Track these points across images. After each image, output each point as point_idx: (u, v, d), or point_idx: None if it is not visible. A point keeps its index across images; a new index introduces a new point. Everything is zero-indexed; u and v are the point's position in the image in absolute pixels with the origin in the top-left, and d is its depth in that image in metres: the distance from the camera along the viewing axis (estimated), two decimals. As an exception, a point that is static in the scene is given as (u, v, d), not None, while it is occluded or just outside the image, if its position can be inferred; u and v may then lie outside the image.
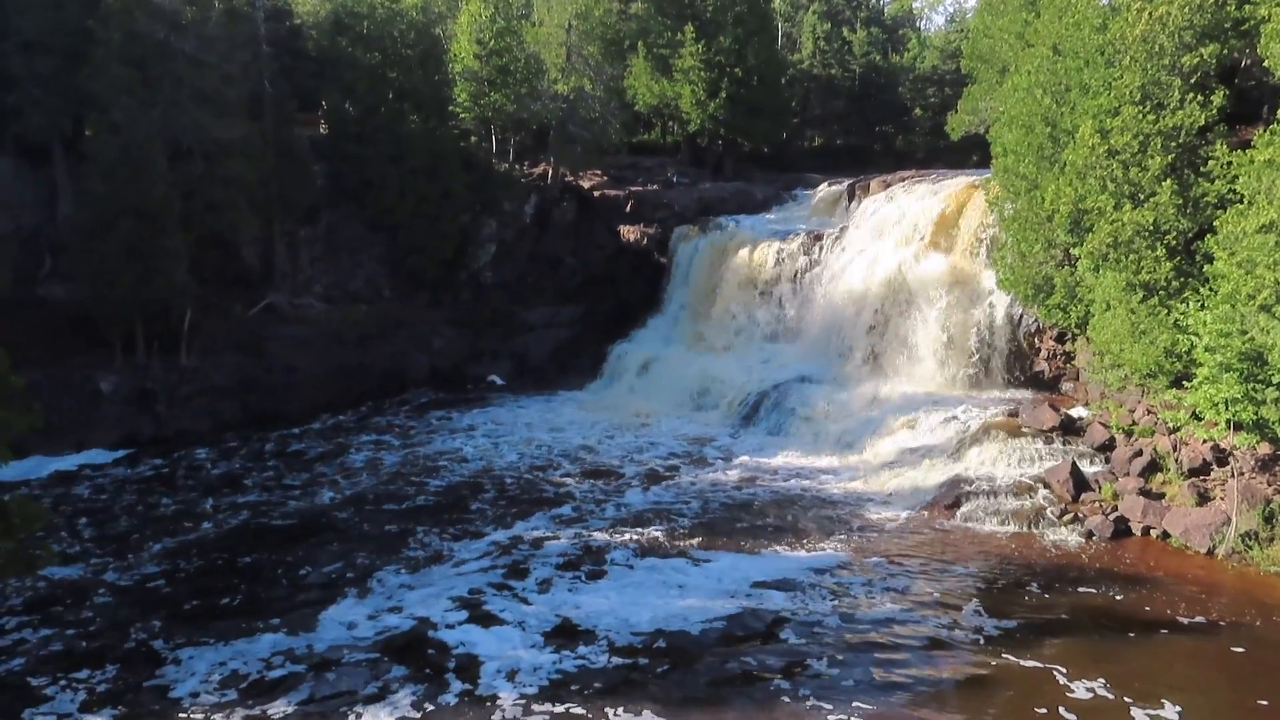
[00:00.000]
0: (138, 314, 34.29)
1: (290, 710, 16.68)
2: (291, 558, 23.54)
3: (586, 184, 49.67)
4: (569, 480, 29.72)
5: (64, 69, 34.97)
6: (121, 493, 28.55)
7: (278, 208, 40.50)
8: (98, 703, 16.90)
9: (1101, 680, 17.62)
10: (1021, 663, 18.36)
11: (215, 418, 35.57)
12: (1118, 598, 21.04)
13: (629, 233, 47.26)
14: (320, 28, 46.00)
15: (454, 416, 37.74)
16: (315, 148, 43.31)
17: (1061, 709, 16.84)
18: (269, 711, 16.70)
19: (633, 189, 49.24)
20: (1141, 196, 24.67)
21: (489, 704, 16.87)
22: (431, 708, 16.74)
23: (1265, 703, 16.88)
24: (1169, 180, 24.27)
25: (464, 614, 20.44)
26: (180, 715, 16.70)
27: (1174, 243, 24.43)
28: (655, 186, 50.12)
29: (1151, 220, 24.23)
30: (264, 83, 40.36)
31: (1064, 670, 18.03)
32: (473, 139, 49.01)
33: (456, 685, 17.57)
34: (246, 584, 22.10)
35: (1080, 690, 17.38)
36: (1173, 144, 24.51)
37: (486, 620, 20.14)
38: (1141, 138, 24.51)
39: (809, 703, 17.03)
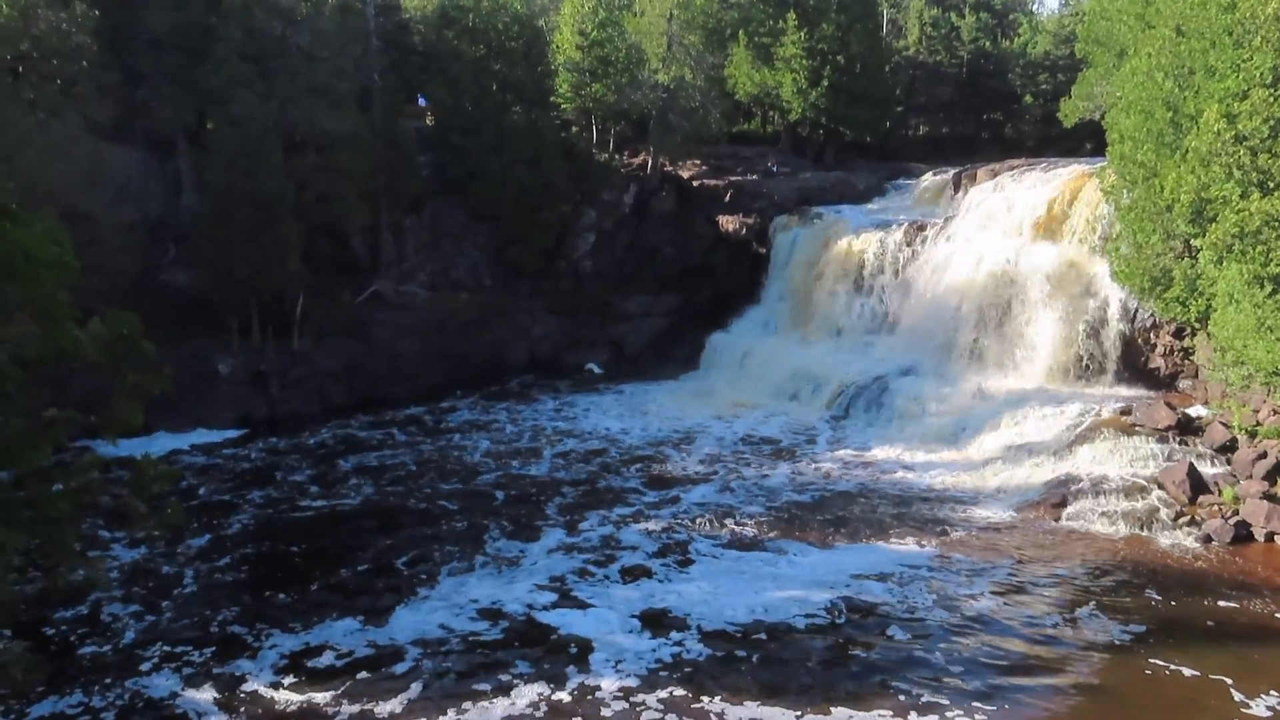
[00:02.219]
0: (254, 300, 35.69)
1: (411, 695, 16.89)
2: (388, 541, 24.01)
3: (686, 174, 49.60)
4: (662, 469, 29.83)
5: (187, 64, 36.52)
6: (228, 471, 29.65)
7: (384, 198, 41.60)
8: (198, 681, 17.33)
9: (1273, 692, 16.88)
10: (1168, 670, 17.64)
11: (324, 400, 36.76)
12: (1245, 605, 20.05)
13: (727, 223, 47.03)
14: (427, 21, 46.90)
15: (550, 403, 38.24)
16: (421, 139, 44.30)
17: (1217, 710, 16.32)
18: (391, 692, 16.93)
19: (732, 179, 48.94)
20: (1271, 184, 23.40)
21: (593, 691, 16.92)
22: (537, 694, 16.86)
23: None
24: (1302, 167, 22.97)
25: (555, 600, 20.64)
26: (287, 698, 17.14)
27: (1307, 233, 23.11)
28: (754, 176, 49.73)
29: (1282, 210, 22.97)
30: (373, 76, 41.45)
31: (1228, 680, 17.30)
32: (574, 129, 49.47)
33: (558, 670, 17.72)
34: (343, 567, 22.49)
35: (1256, 705, 16.64)
36: (1307, 129, 23.19)
37: (577, 607, 20.31)
38: (1272, 122, 23.23)
39: (922, 698, 16.65)
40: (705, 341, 42.76)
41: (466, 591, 20.93)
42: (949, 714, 16.24)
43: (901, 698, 16.68)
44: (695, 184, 48.72)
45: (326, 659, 18.03)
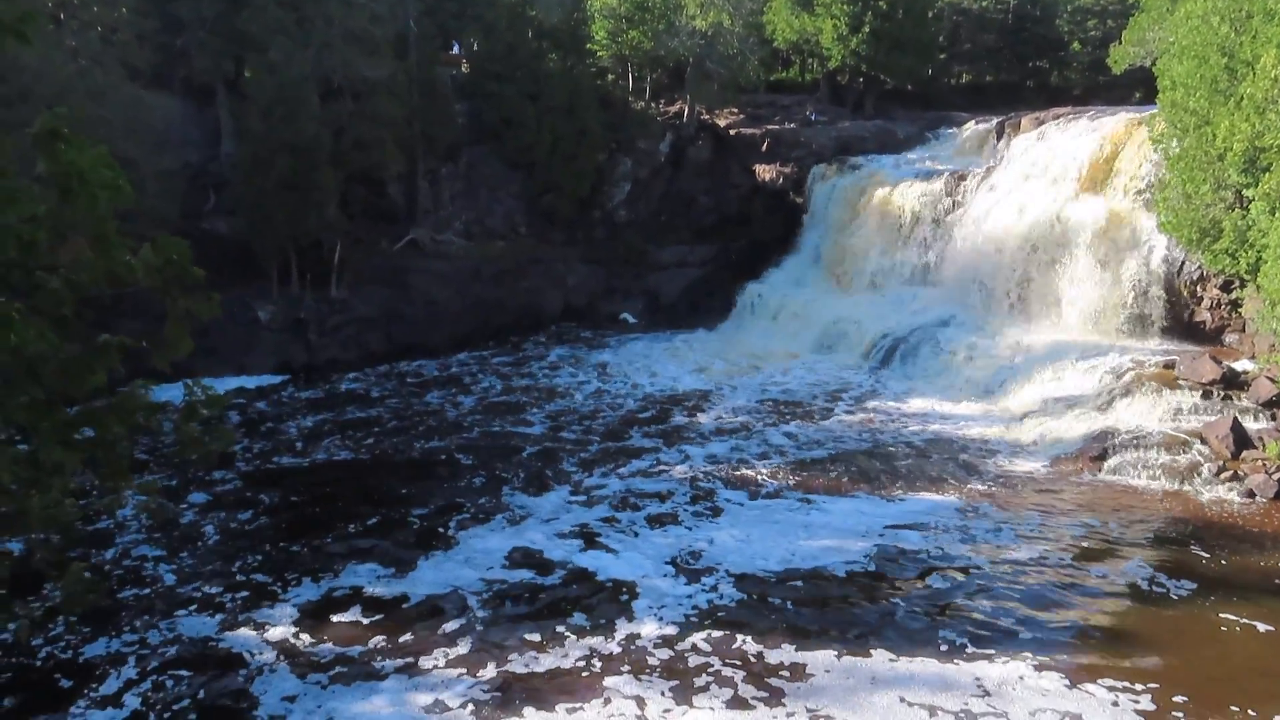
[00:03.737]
0: (292, 247, 35.95)
1: (453, 644, 16.73)
2: (416, 490, 24.01)
3: (722, 122, 49.07)
4: (693, 419, 29.87)
5: (226, 12, 36.52)
6: (260, 418, 30.03)
7: (421, 145, 41.57)
8: (232, 625, 17.37)
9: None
10: (1238, 626, 17.36)
11: (362, 347, 37.14)
12: (1274, 558, 19.83)
13: (764, 172, 46.57)
14: (462, -34, 46.49)
15: (585, 352, 38.38)
16: (457, 87, 44.10)
17: (1257, 657, 16.25)
18: (432, 643, 16.89)
19: (769, 127, 48.37)
20: (1330, 132, 22.75)
21: (636, 639, 16.89)
22: (582, 641, 16.83)
23: None
24: (1363, 114, 22.28)
25: (585, 547, 20.65)
26: (327, 648, 17.43)
27: (1365, 183, 22.48)
28: (792, 125, 49.11)
29: (1340, 158, 22.33)
30: (409, 22, 41.19)
31: (1253, 622, 17.20)
32: (610, 77, 49.06)
33: (600, 617, 17.75)
34: (368, 518, 22.30)
35: (1266, 643, 16.60)
36: (1370, 74, 22.45)
37: (609, 553, 20.35)
38: (1333, 67, 22.52)
39: (967, 647, 16.58)
40: (740, 291, 42.59)
41: (495, 541, 20.94)
42: (998, 660, 16.16)
43: (944, 646, 16.61)
44: (732, 133, 48.20)
45: (360, 610, 17.93)
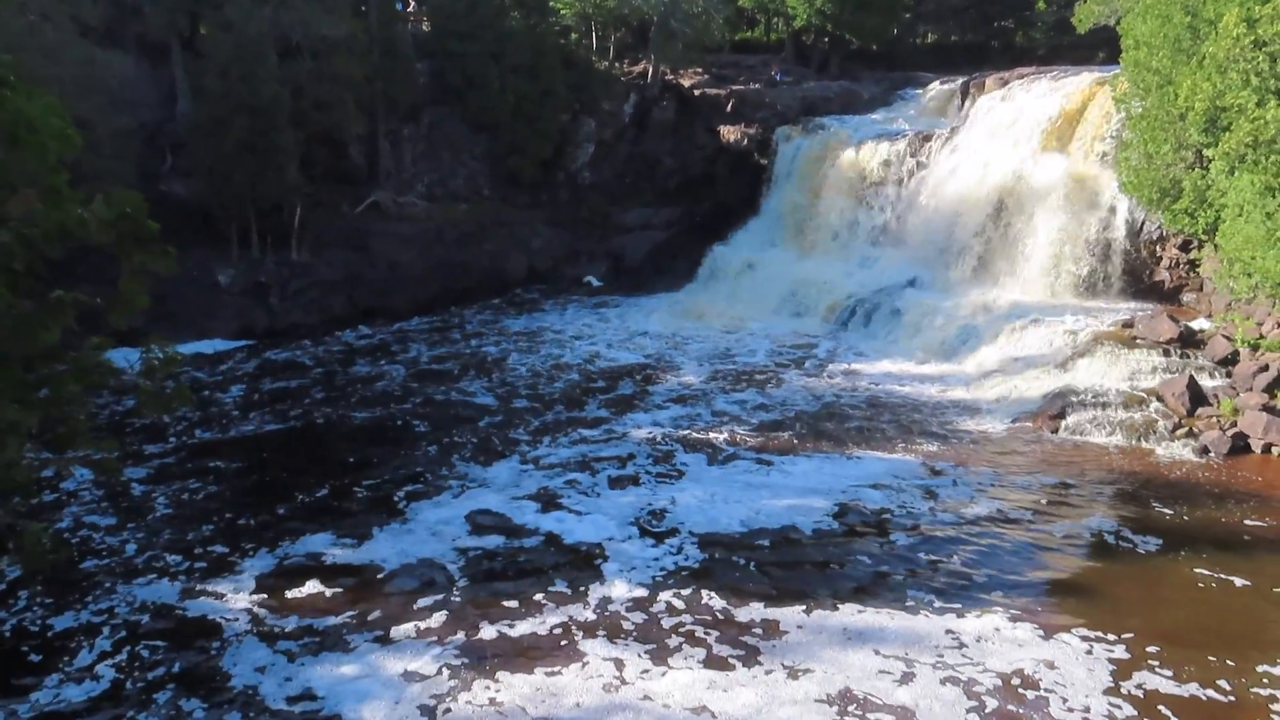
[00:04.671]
0: (252, 209, 35.36)
1: (423, 613, 16.53)
2: (364, 457, 23.60)
3: (687, 82, 48.67)
4: (656, 381, 29.88)
5: (178, -35, 35.49)
6: (212, 385, 29.47)
7: (382, 105, 40.88)
8: (194, 594, 17.19)
9: (1247, 580, 17.35)
10: (1180, 570, 17.96)
11: (324, 311, 36.73)
12: (1252, 515, 20.25)
13: (729, 133, 46.32)
14: (422, -79, 45.53)
15: (547, 315, 38.23)
16: (418, 46, 43.33)
17: (1225, 607, 16.79)
18: (399, 612, 16.77)
19: (734, 88, 48.05)
20: (1288, 92, 22.99)
21: (609, 602, 16.89)
22: (552, 605, 16.82)
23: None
24: (1320, 74, 22.52)
25: (547, 510, 20.54)
26: (293, 620, 17.37)
27: (1321, 143, 22.78)
28: (757, 85, 48.80)
29: (1297, 118, 22.59)
30: (367, -22, 40.33)
31: (1216, 573, 17.71)
32: (573, 36, 48.38)
33: (569, 580, 17.77)
34: (328, 483, 22.01)
35: (1233, 594, 17.16)
36: (1328, 34, 22.67)
37: (573, 516, 20.29)
38: (1292, 28, 22.70)
39: (934, 602, 16.86)
40: (705, 253, 42.50)
41: (456, 507, 20.73)
42: (969, 614, 16.47)
43: (912, 601, 16.88)
44: (697, 93, 47.84)
45: (322, 579, 17.59)
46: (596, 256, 45.05)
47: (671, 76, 48.59)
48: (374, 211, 41.06)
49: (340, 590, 17.25)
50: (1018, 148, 34.60)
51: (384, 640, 15.70)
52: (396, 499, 21.20)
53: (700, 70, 49.77)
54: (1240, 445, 23.47)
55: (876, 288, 35.57)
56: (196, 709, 14.03)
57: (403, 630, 15.98)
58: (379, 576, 17.79)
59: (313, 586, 17.33)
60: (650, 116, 47.43)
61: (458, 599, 16.99)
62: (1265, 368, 24.78)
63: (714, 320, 36.92)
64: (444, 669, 14.89)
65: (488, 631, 15.95)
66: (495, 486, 21.83)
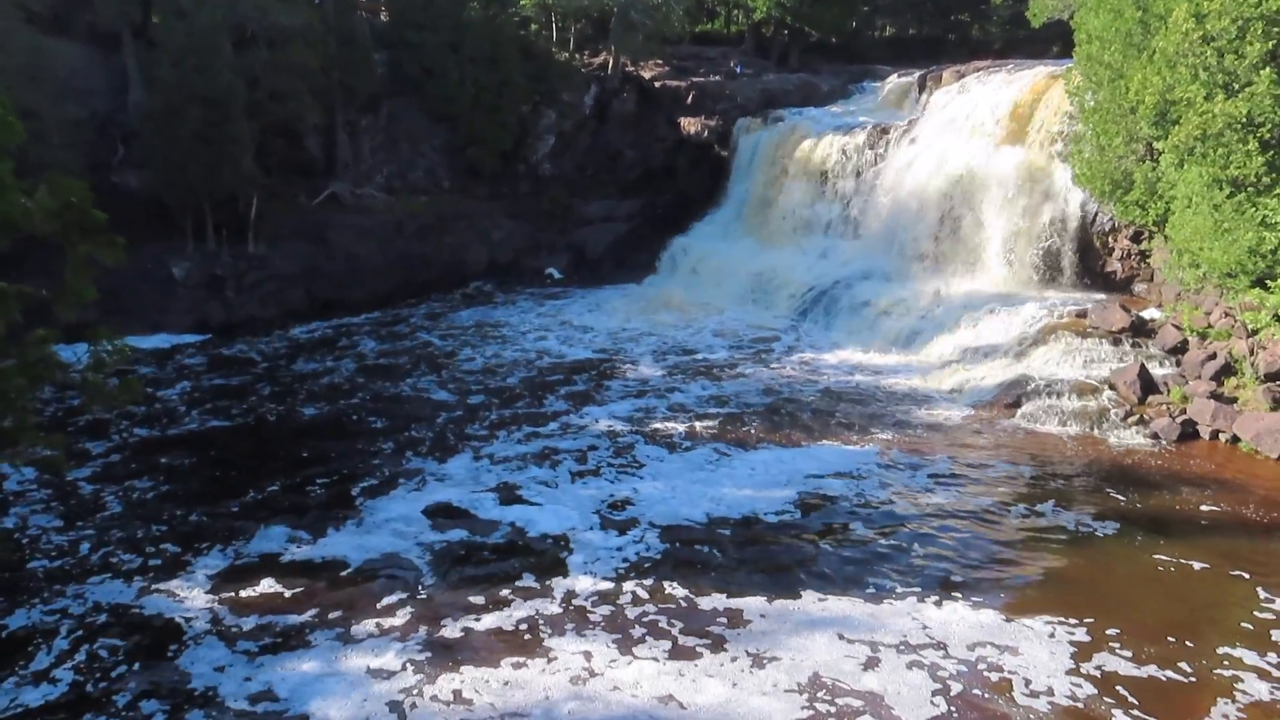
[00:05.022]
0: (207, 201, 34.83)
1: (386, 609, 16.44)
2: (319, 453, 23.24)
3: (647, 74, 48.67)
4: (617, 373, 29.87)
5: (128, -48, 34.82)
6: (164, 381, 28.96)
7: (339, 96, 40.44)
8: (152, 593, 16.91)
9: (1242, 573, 17.63)
10: (1139, 555, 18.33)
11: (282, 305, 36.30)
12: (1201, 500, 20.72)
13: (690, 125, 46.42)
14: (379, -91, 45.05)
15: (509, 309, 38.07)
16: (375, 36, 42.90)
17: (1182, 590, 17.18)
18: (369, 599, 16.75)
19: (694, 80, 48.15)
20: (1236, 86, 23.44)
21: (574, 596, 16.92)
22: (517, 599, 16.78)
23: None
24: (1268, 69, 22.98)
25: (510, 503, 20.49)
26: (269, 591, 17.30)
27: (1268, 135, 23.26)
28: (717, 78, 48.94)
29: (1245, 112, 23.05)
30: (324, -33, 39.86)
31: (1172, 558, 18.08)
32: (533, 27, 48.15)
33: (533, 573, 17.77)
34: (279, 480, 21.67)
35: (1190, 577, 17.57)
36: (1275, 29, 23.11)
37: (534, 508, 20.24)
38: (1241, 22, 23.13)
39: (895, 589, 17.06)
40: (666, 245, 42.58)
41: (414, 501, 20.52)
42: (930, 599, 16.71)
43: (874, 588, 17.08)
44: (657, 85, 47.86)
45: (278, 577, 17.36)
46: (558, 249, 44.93)
47: (632, 68, 48.56)
48: (332, 203, 40.64)
49: (299, 588, 17.06)
50: (974, 140, 35.01)
51: (346, 638, 15.56)
52: (352, 495, 20.94)
53: (660, 62, 49.78)
54: (1189, 432, 23.99)
55: (836, 279, 35.85)
56: (157, 711, 13.82)
57: (365, 627, 15.85)
58: (339, 573, 17.61)
59: (270, 584, 17.13)
60: (611, 108, 47.39)
61: (421, 594, 16.89)
62: (1213, 356, 25.35)
63: (675, 312, 37.02)
64: (408, 665, 14.81)
65: (453, 626, 15.88)
66: (454, 481, 21.67)
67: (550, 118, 45.89)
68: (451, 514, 20.00)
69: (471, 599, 16.68)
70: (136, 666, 14.82)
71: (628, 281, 41.52)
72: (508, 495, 20.93)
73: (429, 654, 15.09)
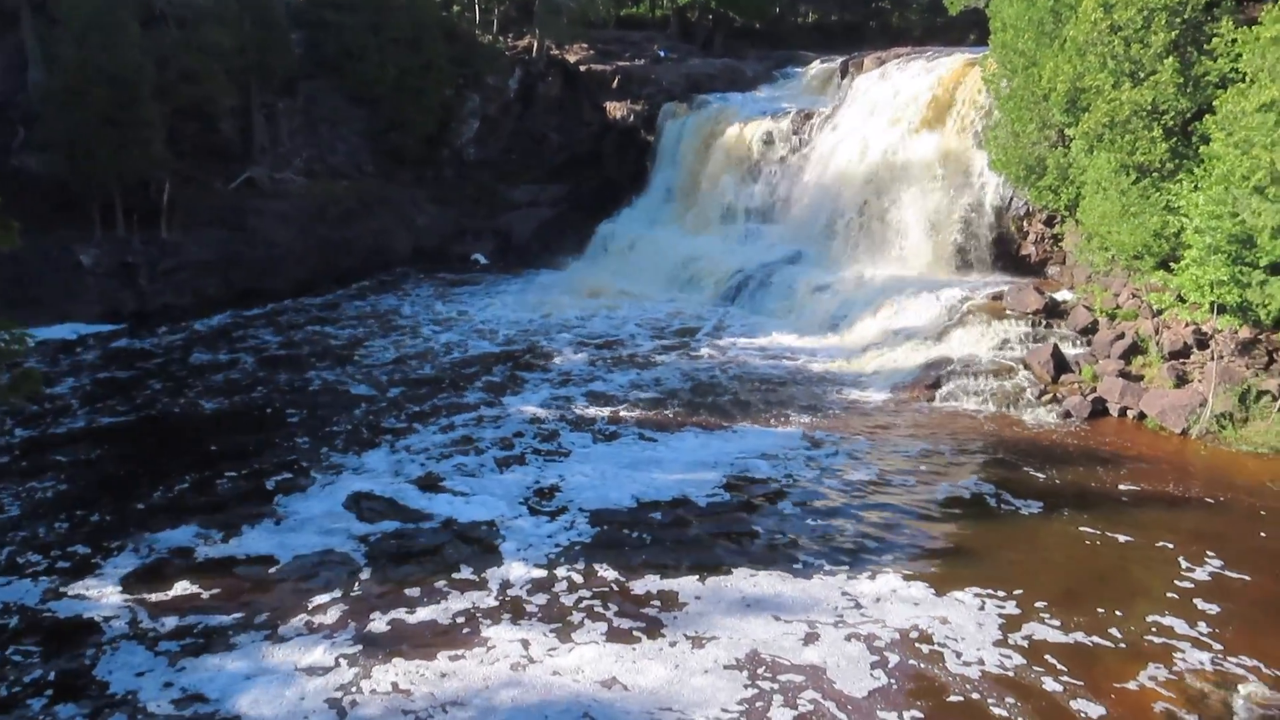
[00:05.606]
0: (115, 186, 33.62)
1: (317, 608, 16.08)
2: (243, 446, 22.64)
3: (572, 58, 48.39)
4: (542, 360, 29.69)
5: (26, -75, 33.37)
6: (69, 372, 28.04)
7: (255, 78, 39.36)
8: (62, 595, 16.34)
9: (1165, 544, 18.36)
10: (1065, 529, 18.94)
11: (198, 293, 35.33)
12: (1097, 473, 21.53)
13: (615, 109, 46.31)
14: (294, -115, 43.80)
15: (433, 295, 37.63)
16: (293, 15, 41.83)
17: (1105, 561, 17.79)
18: (294, 595, 16.46)
19: (620, 64, 48.02)
20: (1142, 75, 24.28)
21: (500, 580, 16.84)
22: (451, 589, 16.62)
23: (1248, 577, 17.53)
24: (1171, 58, 23.85)
25: (436, 494, 20.21)
26: (178, 587, 16.86)
27: (1171, 123, 24.17)
28: (642, 62, 48.90)
29: (1150, 99, 23.90)
30: (237, -56, 38.66)
31: (1093, 530, 18.76)
32: (455, 8, 47.50)
33: (465, 562, 17.61)
34: (189, 475, 21.01)
35: (1113, 549, 18.25)
36: (1178, 20, 24.00)
37: (460, 498, 20.00)
38: (1146, 13, 23.97)
39: (824, 566, 17.37)
40: (593, 231, 42.49)
41: (340, 493, 20.08)
42: (862, 576, 17.04)
43: (806, 566, 17.36)
44: (582, 69, 47.62)
45: (194, 576, 16.86)
46: (484, 234, 44.51)
47: (557, 52, 48.23)
48: (249, 188, 39.60)
49: (219, 587, 16.58)
50: (894, 126, 35.62)
51: (274, 637, 15.15)
52: (268, 490, 20.35)
53: (586, 46, 49.54)
54: (1099, 409, 24.86)
55: (761, 264, 36.19)
56: (77, 715, 13.36)
57: (294, 625, 15.47)
58: (261, 570, 17.19)
59: (188, 584, 16.63)
60: (536, 92, 47.02)
61: (350, 589, 16.58)
62: (1121, 336, 26.28)
63: (602, 297, 36.98)
64: (343, 660, 14.54)
65: (386, 620, 15.64)
66: (375, 473, 21.23)
67: (474, 101, 45.37)
68: (376, 506, 19.65)
69: (404, 591, 16.47)
70: (52, 672, 14.29)
71: (555, 267, 41.34)
72: (432, 485, 20.67)
73: (364, 648, 14.85)
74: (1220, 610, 16.00)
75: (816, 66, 45.76)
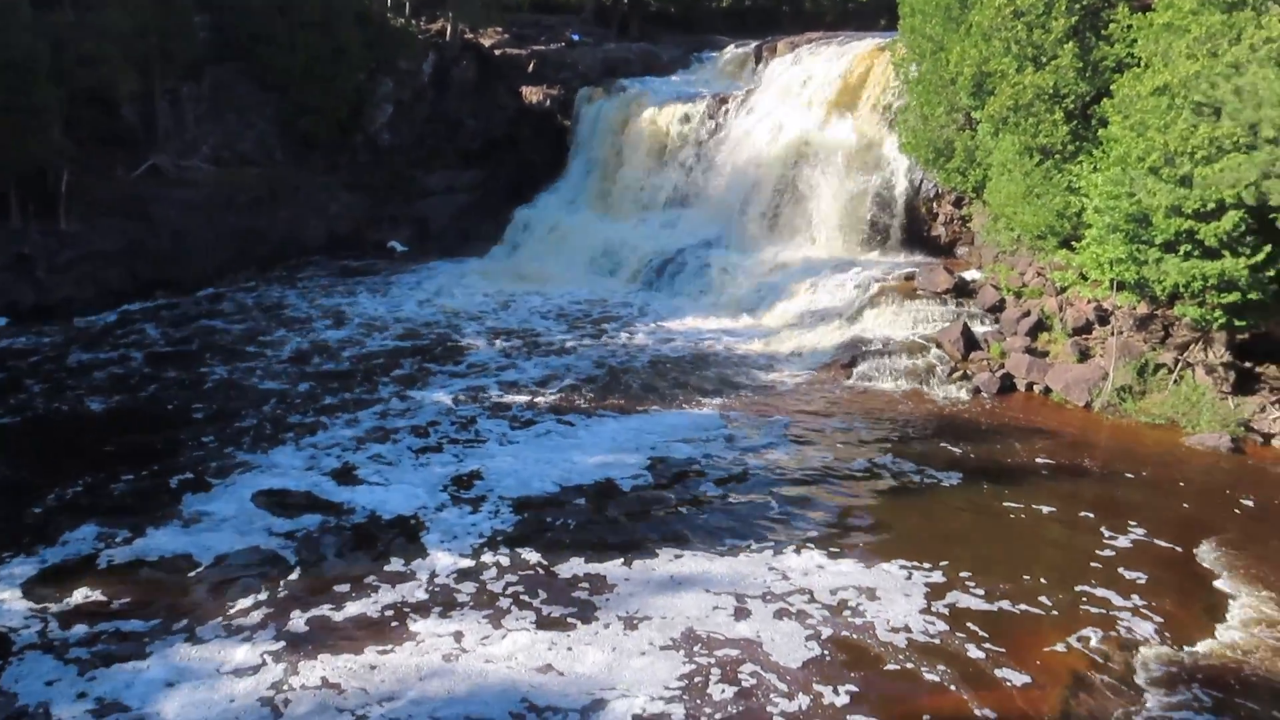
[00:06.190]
0: (10, 174, 32.19)
1: (230, 597, 15.83)
2: (147, 445, 21.67)
3: (487, 42, 47.89)
4: (458, 347, 29.33)
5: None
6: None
7: (158, 62, 38.01)
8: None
9: (1086, 513, 19.13)
10: (987, 502, 19.62)
11: (101, 285, 34.00)
12: (1006, 446, 22.34)
13: (531, 94, 45.98)
14: None
15: (348, 283, 36.86)
16: (196, -3, 40.49)
17: (1025, 531, 18.61)
18: (211, 596, 16.07)
19: (535, 48, 47.68)
20: (1044, 59, 25.08)
21: (428, 571, 16.71)
22: (373, 578, 16.44)
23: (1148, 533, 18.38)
24: (1071, 43, 24.69)
25: (355, 486, 19.88)
26: (77, 628, 16.36)
27: (1072, 106, 25.05)
28: (558, 46, 48.62)
29: (1052, 83, 24.72)
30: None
31: (1013, 503, 19.47)
32: (366, -10, 46.47)
33: (388, 554, 17.43)
34: (86, 476, 20.06)
35: (1024, 510, 19.16)
36: (1076, 6, 24.86)
37: (379, 490, 19.72)
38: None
39: (750, 544, 17.65)
40: (511, 217, 42.19)
41: (250, 489, 19.57)
42: (788, 551, 17.41)
43: (732, 544, 17.63)
44: (497, 53, 47.17)
45: (100, 581, 16.22)
46: (400, 221, 43.82)
47: (471, 36, 47.66)
48: (154, 176, 38.29)
49: (128, 593, 15.93)
50: (808, 110, 36.14)
51: (194, 639, 14.69)
52: (171, 489, 19.57)
53: (500, 30, 49.05)
54: (1008, 385, 25.74)
55: (679, 247, 36.40)
56: (-18, 728, 12.86)
57: (214, 626, 15.04)
58: (173, 573, 16.58)
59: (93, 589, 15.95)
60: (450, 76, 46.38)
61: (272, 586, 16.20)
62: (1027, 313, 27.22)
63: (521, 283, 36.76)
64: (269, 659, 14.23)
65: (313, 615, 15.34)
66: (288, 469, 20.67)
67: (388, 86, 44.54)
68: (292, 501, 19.18)
69: (329, 586, 16.18)
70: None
71: (473, 254, 40.91)
72: (350, 478, 20.28)
73: (291, 646, 14.55)
74: (1131, 577, 16.77)
75: (731, 51, 46.10)
